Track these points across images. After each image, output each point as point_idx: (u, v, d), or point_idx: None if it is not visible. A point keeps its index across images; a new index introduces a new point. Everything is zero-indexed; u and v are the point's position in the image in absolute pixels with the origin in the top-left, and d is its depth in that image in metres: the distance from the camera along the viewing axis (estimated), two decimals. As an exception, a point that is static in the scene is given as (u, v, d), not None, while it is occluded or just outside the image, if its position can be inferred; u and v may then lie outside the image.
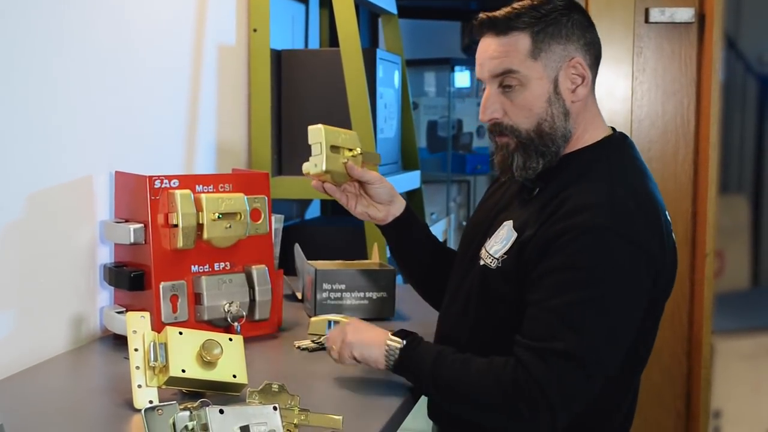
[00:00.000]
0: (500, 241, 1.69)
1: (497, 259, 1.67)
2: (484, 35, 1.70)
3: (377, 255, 2.38)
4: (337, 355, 1.72)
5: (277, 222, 2.16)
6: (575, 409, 1.57)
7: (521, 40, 1.65)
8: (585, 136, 1.71)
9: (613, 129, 1.76)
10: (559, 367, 1.53)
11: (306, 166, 1.86)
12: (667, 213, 1.67)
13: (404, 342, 1.66)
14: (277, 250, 2.25)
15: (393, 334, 1.68)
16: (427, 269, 1.99)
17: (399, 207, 1.94)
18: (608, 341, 1.57)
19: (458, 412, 1.68)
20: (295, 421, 1.43)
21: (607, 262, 1.56)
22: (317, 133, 1.84)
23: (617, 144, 1.73)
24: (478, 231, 1.80)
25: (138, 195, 1.91)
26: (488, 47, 1.69)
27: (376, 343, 1.68)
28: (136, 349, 1.53)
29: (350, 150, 1.87)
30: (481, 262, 1.71)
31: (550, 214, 1.62)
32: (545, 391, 1.52)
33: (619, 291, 1.57)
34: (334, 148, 1.85)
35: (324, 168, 1.83)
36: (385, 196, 1.91)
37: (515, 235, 1.67)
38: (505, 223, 1.72)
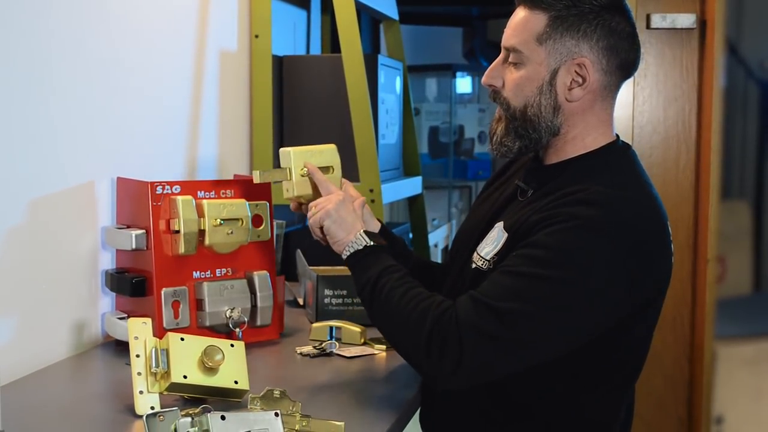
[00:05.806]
0: (491, 243, 1.68)
1: (488, 261, 1.66)
2: (518, 5, 1.70)
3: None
4: (312, 216, 1.76)
5: (278, 228, 2.16)
6: (484, 375, 1.55)
7: (537, 21, 1.64)
8: (586, 140, 1.68)
9: (617, 137, 1.73)
10: (489, 323, 1.51)
11: (283, 189, 1.87)
12: (668, 223, 1.65)
13: (371, 243, 1.69)
14: (278, 256, 2.25)
15: (368, 232, 1.72)
16: None
17: (372, 229, 1.87)
18: (552, 325, 1.53)
19: (380, 329, 1.68)
20: (297, 428, 1.44)
21: (584, 253, 1.53)
22: (286, 158, 1.86)
23: (620, 151, 1.71)
24: (470, 236, 1.79)
25: (140, 201, 1.92)
26: (513, 18, 1.69)
27: (351, 229, 1.72)
28: (137, 355, 1.53)
29: (328, 168, 1.88)
30: (473, 266, 1.70)
31: (545, 204, 1.61)
32: (461, 335, 1.51)
33: (586, 285, 1.53)
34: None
35: (295, 194, 1.85)
36: None
37: (506, 235, 1.66)
38: (496, 225, 1.71)
